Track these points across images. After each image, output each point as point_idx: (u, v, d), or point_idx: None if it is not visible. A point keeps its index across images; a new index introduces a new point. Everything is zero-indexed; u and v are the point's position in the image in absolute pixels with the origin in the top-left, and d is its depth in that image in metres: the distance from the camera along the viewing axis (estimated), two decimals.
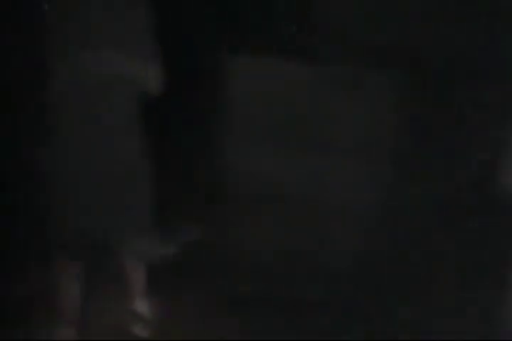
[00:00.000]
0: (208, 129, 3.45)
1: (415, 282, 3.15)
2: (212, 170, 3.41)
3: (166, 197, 2.94)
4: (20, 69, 3.24)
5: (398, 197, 3.15)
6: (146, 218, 2.75)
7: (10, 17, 3.33)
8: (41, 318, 2.94)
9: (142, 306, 2.97)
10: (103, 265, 2.97)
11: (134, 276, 2.94)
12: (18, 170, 3.33)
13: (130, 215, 2.70)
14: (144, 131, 2.65)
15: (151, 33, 2.53)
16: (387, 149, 3.15)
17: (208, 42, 3.70)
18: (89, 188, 2.63)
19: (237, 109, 3.18)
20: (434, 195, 3.32)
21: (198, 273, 3.34)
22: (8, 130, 3.34)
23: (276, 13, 3.45)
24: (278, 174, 3.15)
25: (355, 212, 3.15)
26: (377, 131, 3.11)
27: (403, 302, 3.05)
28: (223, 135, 3.23)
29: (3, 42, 3.23)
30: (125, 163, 2.63)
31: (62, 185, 2.66)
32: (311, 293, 3.14)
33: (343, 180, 3.12)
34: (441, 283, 3.15)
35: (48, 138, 2.64)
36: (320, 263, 3.18)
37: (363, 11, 3.28)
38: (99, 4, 2.48)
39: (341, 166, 3.12)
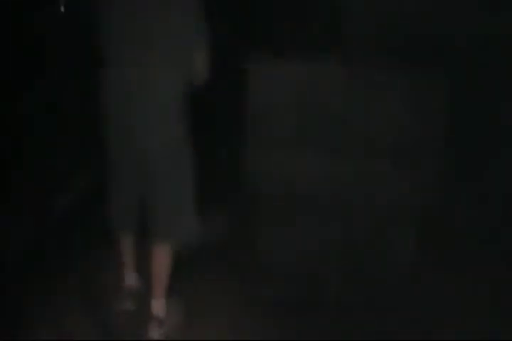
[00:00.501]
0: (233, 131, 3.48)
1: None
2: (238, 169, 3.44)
3: None
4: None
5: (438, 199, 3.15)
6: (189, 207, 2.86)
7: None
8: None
9: (159, 307, 2.95)
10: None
11: (157, 272, 2.93)
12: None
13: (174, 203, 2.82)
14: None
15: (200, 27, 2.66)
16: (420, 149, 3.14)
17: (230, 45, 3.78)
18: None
19: (263, 110, 3.18)
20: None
21: (218, 274, 3.38)
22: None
23: (301, 15, 3.47)
24: (305, 175, 3.16)
25: (383, 213, 3.14)
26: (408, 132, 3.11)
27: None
28: (248, 136, 3.23)
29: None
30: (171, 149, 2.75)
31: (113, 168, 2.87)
32: (336, 295, 3.16)
33: (370, 181, 3.13)
34: None
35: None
36: (348, 265, 3.20)
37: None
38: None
39: (369, 167, 3.12)
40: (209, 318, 3.04)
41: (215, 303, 3.17)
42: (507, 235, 3.40)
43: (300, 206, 3.18)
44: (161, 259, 2.88)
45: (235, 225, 3.75)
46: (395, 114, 3.09)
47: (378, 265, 3.16)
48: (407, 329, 2.90)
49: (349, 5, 3.42)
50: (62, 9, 3.79)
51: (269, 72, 3.13)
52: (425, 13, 3.43)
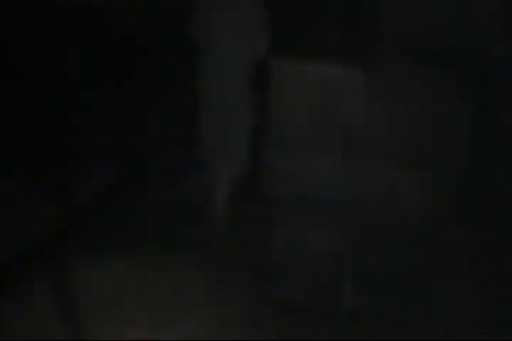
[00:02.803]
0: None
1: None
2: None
3: None
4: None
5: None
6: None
7: None
8: None
9: None
10: None
11: None
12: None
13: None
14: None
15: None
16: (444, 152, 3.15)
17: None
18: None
19: (285, 110, 3.17)
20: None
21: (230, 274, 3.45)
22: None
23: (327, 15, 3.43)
24: (318, 175, 3.16)
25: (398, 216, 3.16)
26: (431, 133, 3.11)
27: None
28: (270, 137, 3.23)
29: None
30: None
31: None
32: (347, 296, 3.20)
33: (385, 183, 3.13)
34: None
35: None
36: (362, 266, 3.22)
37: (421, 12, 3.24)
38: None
39: (383, 169, 3.12)
40: (219, 317, 3.11)
41: (227, 303, 3.22)
42: None
43: (313, 206, 3.18)
44: None
45: (248, 225, 3.80)
46: (417, 116, 3.08)
47: (390, 266, 3.18)
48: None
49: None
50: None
51: (289, 71, 3.10)
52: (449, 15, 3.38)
